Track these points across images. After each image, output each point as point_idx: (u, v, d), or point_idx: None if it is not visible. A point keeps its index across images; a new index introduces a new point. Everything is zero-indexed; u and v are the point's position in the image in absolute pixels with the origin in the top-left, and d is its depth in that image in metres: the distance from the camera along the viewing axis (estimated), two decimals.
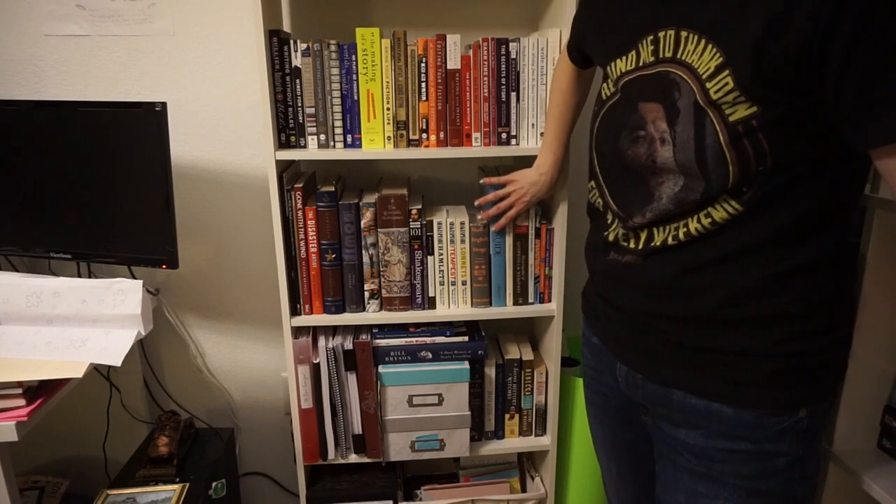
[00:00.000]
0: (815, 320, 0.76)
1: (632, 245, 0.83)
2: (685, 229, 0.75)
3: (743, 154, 0.68)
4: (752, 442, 0.79)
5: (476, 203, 1.38)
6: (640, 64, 0.78)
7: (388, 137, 1.35)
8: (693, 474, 0.84)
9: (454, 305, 1.45)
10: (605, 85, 0.86)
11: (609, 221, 0.87)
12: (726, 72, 0.68)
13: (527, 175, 1.31)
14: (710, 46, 0.70)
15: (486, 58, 1.32)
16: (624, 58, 0.81)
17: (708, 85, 0.69)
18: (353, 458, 1.50)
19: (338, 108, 1.33)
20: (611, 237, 0.87)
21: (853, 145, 0.67)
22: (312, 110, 1.32)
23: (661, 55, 0.75)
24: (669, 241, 0.77)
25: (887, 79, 0.61)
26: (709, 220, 0.73)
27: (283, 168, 1.38)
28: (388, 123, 1.34)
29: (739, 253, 0.74)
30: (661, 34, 0.75)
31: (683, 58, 0.72)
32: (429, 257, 1.41)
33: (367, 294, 1.42)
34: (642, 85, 0.78)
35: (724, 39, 0.69)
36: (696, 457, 0.83)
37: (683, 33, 0.73)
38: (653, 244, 0.79)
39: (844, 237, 0.76)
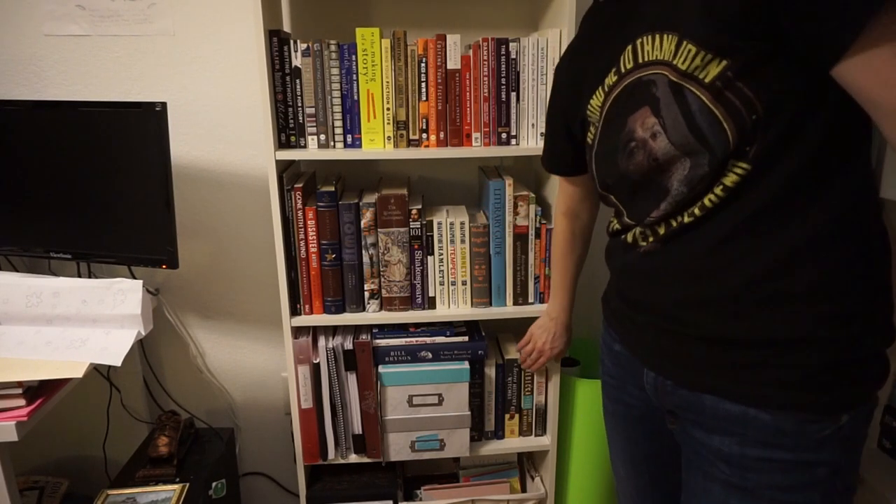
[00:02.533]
0: (849, 300, 0.72)
1: (651, 239, 0.82)
2: (700, 203, 0.74)
3: (730, 106, 0.68)
4: (790, 451, 0.74)
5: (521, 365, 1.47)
6: (607, 91, 0.83)
7: (388, 137, 1.35)
8: (725, 486, 0.79)
9: (454, 305, 1.45)
10: (589, 133, 0.90)
11: (628, 231, 0.87)
12: (685, 42, 0.70)
13: (539, 324, 1.40)
14: (665, 35, 0.72)
15: (486, 58, 1.32)
16: (595, 95, 0.86)
17: (675, 62, 0.71)
18: (353, 458, 1.50)
19: (338, 108, 1.33)
20: (629, 239, 0.86)
21: (824, 70, 0.65)
22: (312, 110, 1.32)
23: (622, 71, 0.80)
24: (686, 220, 0.76)
25: None
26: (720, 188, 0.72)
27: (283, 168, 1.38)
28: (388, 123, 1.34)
29: (757, 217, 0.71)
30: (621, 59, 0.80)
31: (644, 59, 0.75)
32: (429, 257, 1.41)
33: (367, 294, 1.42)
34: (621, 103, 0.80)
35: (673, 22, 0.71)
36: (729, 466, 0.78)
37: (638, 42, 0.76)
38: (671, 229, 0.78)
39: (865, 187, 0.71)
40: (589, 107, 0.88)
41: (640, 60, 0.76)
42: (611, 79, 0.82)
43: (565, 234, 1.22)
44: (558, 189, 1.19)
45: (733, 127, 0.68)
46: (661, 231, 0.79)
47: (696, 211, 0.74)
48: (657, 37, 0.73)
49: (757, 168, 0.69)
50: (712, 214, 0.74)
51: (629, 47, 0.78)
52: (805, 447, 0.74)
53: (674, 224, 0.77)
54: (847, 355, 0.73)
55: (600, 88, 0.84)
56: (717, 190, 0.72)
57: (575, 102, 0.93)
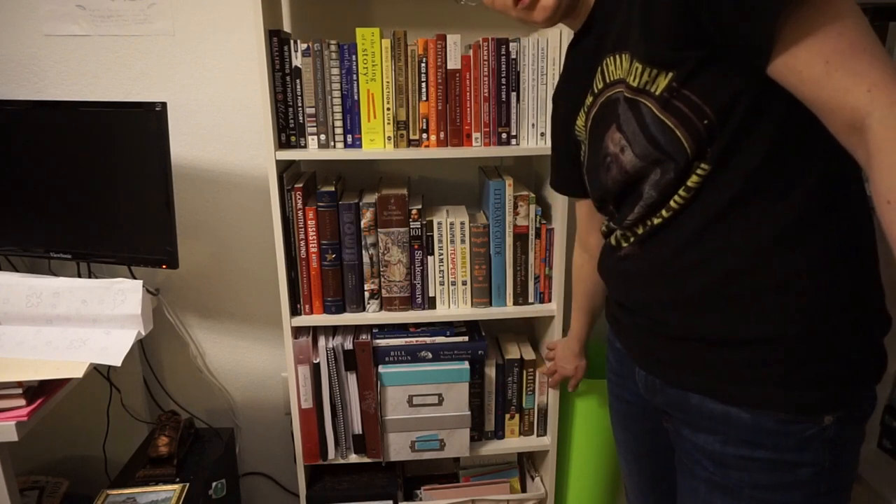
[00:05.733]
0: (821, 296, 0.70)
1: (631, 240, 0.84)
2: (666, 205, 0.76)
3: (679, 113, 0.69)
4: (771, 450, 0.74)
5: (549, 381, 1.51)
6: (587, 111, 0.87)
7: (389, 137, 1.35)
8: (709, 485, 0.80)
9: (454, 305, 1.45)
10: (581, 151, 0.94)
11: (612, 234, 0.90)
12: (634, 61, 0.73)
13: (559, 345, 1.45)
14: (622, 55, 0.76)
15: (486, 58, 1.32)
16: (579, 116, 0.90)
17: (628, 79, 0.74)
18: (353, 458, 1.50)
19: (338, 108, 1.33)
20: (612, 241, 0.89)
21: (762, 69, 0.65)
22: (312, 110, 1.32)
23: (595, 92, 0.84)
24: (656, 222, 0.78)
25: None
26: (683, 189, 0.73)
27: (284, 168, 1.38)
28: (389, 123, 1.34)
29: (723, 213, 0.72)
30: (594, 80, 0.84)
31: (610, 79, 0.80)
32: (429, 257, 1.41)
33: (367, 294, 1.42)
34: (597, 122, 0.84)
35: (626, 41, 0.75)
36: (713, 463, 0.79)
37: (604, 62, 0.80)
38: (645, 231, 0.80)
39: (838, 179, 0.69)
40: (576, 127, 0.92)
41: (608, 80, 0.80)
42: (588, 99, 0.86)
43: (576, 265, 1.24)
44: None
45: (686, 133, 0.70)
46: (640, 232, 0.81)
47: (664, 213, 0.76)
48: (617, 56, 0.77)
49: (715, 168, 0.71)
50: (678, 216, 0.75)
51: (599, 68, 0.82)
52: (786, 447, 0.74)
53: (648, 226, 0.79)
54: (825, 353, 0.72)
55: (582, 109, 0.89)
56: (681, 191, 0.74)
57: (569, 124, 0.96)
